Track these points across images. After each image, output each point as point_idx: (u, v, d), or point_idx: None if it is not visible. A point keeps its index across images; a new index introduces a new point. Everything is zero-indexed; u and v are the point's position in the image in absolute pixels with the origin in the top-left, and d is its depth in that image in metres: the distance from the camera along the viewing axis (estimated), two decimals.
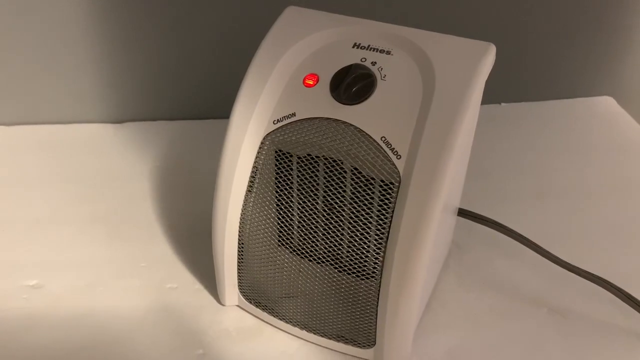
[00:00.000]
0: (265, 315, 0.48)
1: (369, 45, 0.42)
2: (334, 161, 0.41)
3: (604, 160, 0.69)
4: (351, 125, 0.40)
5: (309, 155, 0.41)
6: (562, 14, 0.73)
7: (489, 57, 0.42)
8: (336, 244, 0.43)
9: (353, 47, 0.43)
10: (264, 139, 0.43)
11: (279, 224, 0.45)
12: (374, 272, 0.42)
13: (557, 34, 0.75)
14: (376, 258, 0.41)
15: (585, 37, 0.76)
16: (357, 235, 0.42)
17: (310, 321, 0.46)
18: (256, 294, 0.48)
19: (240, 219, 0.45)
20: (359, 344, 0.45)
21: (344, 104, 0.41)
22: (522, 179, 0.66)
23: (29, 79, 0.69)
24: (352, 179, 0.41)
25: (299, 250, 0.44)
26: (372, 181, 0.40)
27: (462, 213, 0.54)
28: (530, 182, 0.65)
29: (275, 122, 0.42)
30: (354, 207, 0.41)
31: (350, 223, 0.42)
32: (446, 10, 0.70)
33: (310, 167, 0.42)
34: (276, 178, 0.43)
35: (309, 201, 0.43)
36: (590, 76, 0.79)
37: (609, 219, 0.61)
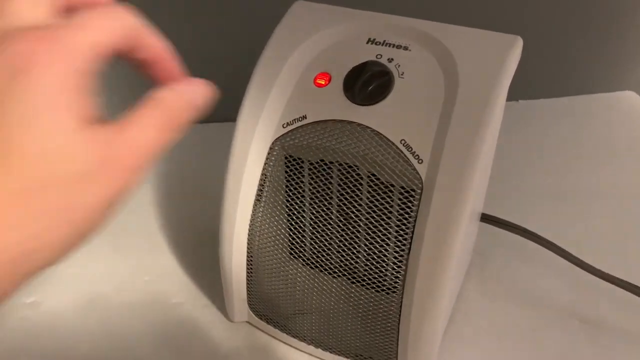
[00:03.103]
0: (277, 332, 0.46)
1: (384, 41, 0.40)
2: (349, 167, 0.38)
3: (630, 158, 0.66)
4: (367, 127, 0.38)
5: (321, 160, 0.39)
6: (579, 6, 0.71)
7: (516, 51, 0.39)
8: (352, 255, 0.40)
9: (367, 42, 0.40)
10: (272, 144, 0.40)
11: (290, 234, 0.42)
12: (395, 286, 0.39)
13: (575, 26, 0.73)
14: (397, 270, 0.39)
15: (604, 29, 0.74)
16: (375, 246, 0.39)
17: (326, 338, 0.44)
18: (267, 310, 0.45)
19: (249, 230, 0.43)
20: None
21: (358, 104, 0.38)
22: (543, 179, 0.63)
23: None
24: (369, 186, 0.38)
25: (312, 262, 0.42)
26: (391, 188, 0.37)
27: (485, 218, 0.51)
28: (551, 183, 0.63)
29: (284, 125, 0.40)
30: (372, 216, 0.38)
31: (367, 233, 0.39)
32: (459, 3, 0.67)
33: (324, 173, 0.39)
34: (287, 186, 0.41)
35: (323, 210, 0.40)
36: (611, 70, 0.77)
37: (637, 220, 0.58)
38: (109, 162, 0.23)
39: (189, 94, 0.28)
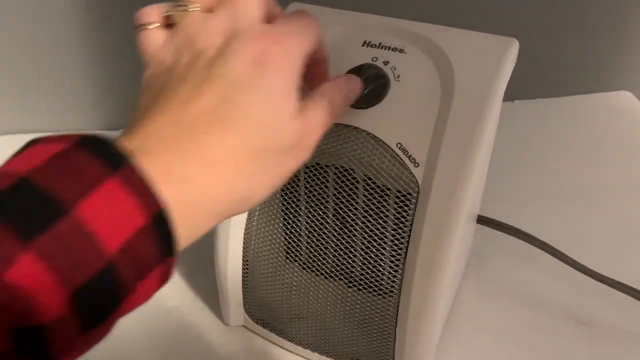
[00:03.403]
0: (273, 336, 0.46)
1: (380, 43, 0.39)
2: (345, 170, 0.38)
3: (626, 159, 0.66)
4: (363, 131, 0.37)
5: (317, 164, 0.39)
6: (575, 6, 0.71)
7: (512, 53, 0.39)
8: (349, 259, 0.40)
9: (363, 45, 0.40)
10: None
11: (286, 238, 0.41)
12: (391, 289, 0.39)
13: (571, 27, 0.73)
14: (393, 274, 0.38)
15: (600, 29, 0.73)
16: (371, 250, 0.39)
17: (322, 342, 0.43)
18: (263, 313, 0.45)
19: (245, 233, 0.42)
20: None
21: (354, 107, 0.38)
22: (539, 180, 0.63)
23: (21, 88, 0.67)
24: (365, 189, 0.38)
25: (308, 265, 0.41)
26: (387, 191, 0.37)
27: (482, 220, 0.50)
28: (548, 184, 0.62)
29: None
30: (368, 220, 0.38)
31: (363, 236, 0.39)
32: (455, 4, 0.67)
33: (319, 176, 0.39)
34: (282, 189, 0.41)
35: (319, 214, 0.40)
36: (606, 70, 0.77)
37: (634, 222, 0.58)
38: (301, 141, 0.29)
39: (345, 88, 0.34)
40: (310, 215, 0.40)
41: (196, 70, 0.28)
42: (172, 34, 0.30)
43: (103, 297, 0.23)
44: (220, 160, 0.26)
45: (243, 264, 0.43)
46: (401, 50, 0.39)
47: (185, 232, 0.25)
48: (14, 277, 0.20)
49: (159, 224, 0.24)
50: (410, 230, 0.37)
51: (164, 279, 0.25)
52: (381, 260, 0.39)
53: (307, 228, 0.41)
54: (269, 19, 0.30)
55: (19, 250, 0.20)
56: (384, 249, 0.38)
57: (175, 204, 0.24)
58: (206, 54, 0.28)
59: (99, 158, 0.23)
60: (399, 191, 0.37)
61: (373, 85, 0.37)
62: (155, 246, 0.24)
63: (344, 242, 0.40)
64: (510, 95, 0.74)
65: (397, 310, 0.39)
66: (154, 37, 0.30)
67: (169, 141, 0.26)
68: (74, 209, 0.22)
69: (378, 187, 0.37)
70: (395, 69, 0.38)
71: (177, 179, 0.25)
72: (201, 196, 0.26)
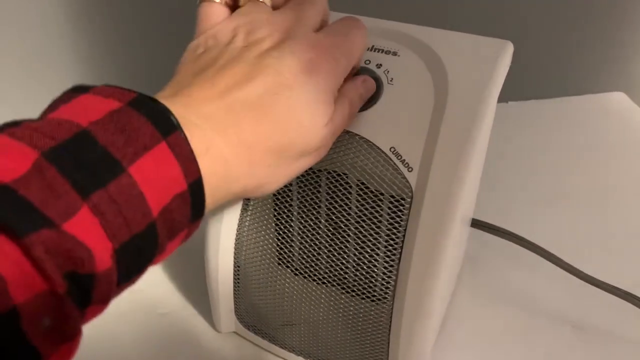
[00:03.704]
0: (265, 343, 0.45)
1: (372, 46, 0.39)
2: (338, 174, 0.37)
3: (620, 160, 0.66)
4: (356, 134, 0.37)
5: (310, 168, 0.38)
6: (569, 7, 0.71)
7: (506, 56, 0.38)
8: (342, 264, 0.39)
9: None
10: None
11: (278, 243, 0.41)
12: (385, 295, 0.38)
13: (564, 28, 0.72)
14: (387, 279, 0.38)
15: (593, 30, 0.73)
16: (365, 255, 0.38)
17: (315, 349, 0.43)
18: (255, 320, 0.44)
19: (236, 239, 0.42)
20: None
21: None
22: (533, 182, 0.63)
23: (15, 86, 0.67)
24: (358, 194, 0.37)
25: (301, 271, 0.41)
26: (380, 196, 0.37)
27: (476, 224, 0.50)
28: (542, 186, 0.62)
29: None
30: (361, 225, 0.38)
31: (357, 242, 0.38)
32: (449, 6, 0.67)
33: (312, 181, 0.38)
34: (274, 194, 0.40)
35: (311, 219, 0.39)
36: (600, 71, 0.77)
37: (629, 224, 0.57)
38: (324, 144, 0.32)
39: (362, 88, 0.35)
40: (302, 221, 0.40)
41: (249, 56, 0.29)
42: (234, 15, 0.32)
43: (140, 254, 0.24)
44: (250, 145, 0.28)
45: (234, 270, 0.43)
46: (394, 53, 0.38)
47: (208, 202, 0.27)
48: (73, 228, 0.21)
49: (195, 191, 0.26)
50: (404, 235, 0.36)
51: (186, 239, 0.28)
52: (374, 265, 0.38)
53: (299, 233, 0.40)
54: (322, 25, 0.33)
55: (79, 204, 0.22)
56: (377, 254, 0.38)
57: (206, 177, 0.26)
58: (263, 44, 0.30)
59: (152, 121, 0.25)
60: (392, 196, 0.36)
61: None
62: (189, 210, 0.26)
63: (336, 247, 0.39)
64: (504, 96, 0.74)
65: (391, 316, 0.39)
66: (216, 11, 0.32)
67: (212, 118, 0.27)
68: (129, 169, 0.23)
69: (371, 191, 0.37)
70: (388, 72, 0.38)
71: (213, 155, 0.27)
72: (227, 173, 0.28)
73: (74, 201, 0.22)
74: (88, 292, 0.22)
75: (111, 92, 0.25)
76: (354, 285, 0.39)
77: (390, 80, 0.37)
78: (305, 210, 0.39)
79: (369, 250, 0.38)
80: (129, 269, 0.24)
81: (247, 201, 0.40)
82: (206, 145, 0.27)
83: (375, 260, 0.38)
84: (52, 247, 0.21)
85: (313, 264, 0.40)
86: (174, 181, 0.25)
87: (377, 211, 0.37)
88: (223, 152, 0.27)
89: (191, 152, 0.25)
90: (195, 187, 0.26)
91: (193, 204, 0.26)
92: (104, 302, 0.24)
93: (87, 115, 0.24)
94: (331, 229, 0.39)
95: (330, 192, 0.38)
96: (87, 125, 0.23)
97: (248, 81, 0.28)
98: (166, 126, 0.25)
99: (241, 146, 0.28)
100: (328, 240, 0.39)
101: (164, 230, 0.25)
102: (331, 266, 0.40)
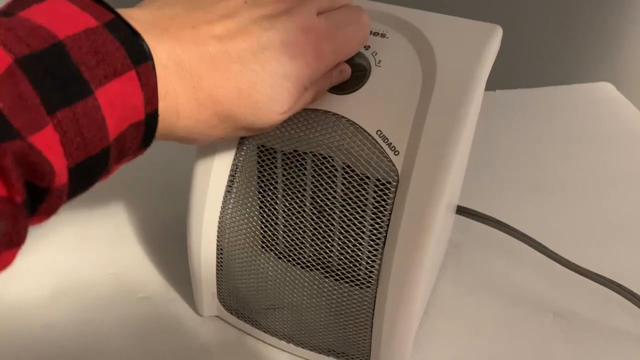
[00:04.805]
0: (247, 327, 0.45)
1: None
2: (324, 157, 0.37)
3: (605, 150, 0.66)
4: (342, 117, 0.36)
5: (295, 151, 0.37)
6: None
7: (495, 40, 0.38)
8: (326, 248, 0.39)
9: None
10: None
11: (262, 227, 0.40)
12: (369, 279, 0.38)
13: (552, 17, 0.72)
14: (371, 264, 0.37)
15: (582, 20, 0.73)
16: (349, 239, 0.38)
17: (298, 334, 0.42)
18: (238, 304, 0.44)
19: (219, 222, 0.41)
20: (352, 358, 0.42)
21: (334, 93, 0.37)
22: (519, 171, 0.63)
23: None
24: (344, 177, 0.37)
25: (284, 255, 0.40)
26: (366, 180, 0.36)
27: (461, 211, 0.50)
28: (527, 175, 0.62)
29: None
30: (346, 208, 0.37)
31: (341, 226, 0.38)
32: None
33: (297, 164, 0.38)
34: (259, 177, 0.39)
35: (296, 202, 0.39)
36: (588, 61, 0.77)
37: (613, 214, 0.58)
38: (272, 127, 0.33)
39: (335, 79, 0.35)
40: (287, 204, 0.39)
41: (243, 14, 0.29)
42: None
43: (90, 175, 0.25)
44: (203, 103, 0.29)
45: (217, 253, 0.42)
46: (383, 35, 0.38)
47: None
48: (37, 142, 0.22)
49: (149, 122, 0.27)
50: (389, 219, 0.36)
51: (126, 162, 0.28)
52: (359, 249, 0.38)
53: (283, 217, 0.40)
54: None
55: (46, 119, 0.22)
56: (362, 238, 0.37)
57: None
58: (262, 9, 0.30)
59: (125, 47, 0.25)
60: (378, 179, 0.36)
61: (353, 70, 0.36)
62: (140, 140, 0.27)
63: (321, 231, 0.39)
64: (492, 84, 0.74)
65: (375, 301, 0.38)
66: None
67: (181, 65, 0.27)
68: (96, 92, 0.23)
69: (357, 175, 0.36)
70: (376, 54, 0.37)
71: (168, 102, 0.27)
72: (174, 121, 0.29)
73: (41, 116, 0.22)
74: (39, 204, 0.23)
75: (87, 4, 0.25)
76: (338, 270, 0.39)
77: (378, 62, 0.37)
78: (290, 193, 0.39)
79: (354, 234, 0.38)
80: (77, 186, 0.25)
81: (231, 183, 0.40)
82: (166, 89, 0.27)
83: (360, 244, 0.38)
84: (20, 159, 0.21)
85: (297, 248, 0.40)
86: (134, 110, 0.25)
87: (362, 195, 0.37)
88: (178, 101, 0.28)
89: (155, 84, 0.26)
90: (151, 119, 0.27)
91: (145, 134, 0.27)
92: (48, 215, 0.24)
93: (62, 26, 0.23)
94: (316, 212, 0.39)
95: (315, 175, 0.38)
96: (63, 38, 0.23)
97: (229, 38, 0.28)
98: (138, 55, 0.25)
99: (195, 102, 0.28)
100: (312, 223, 0.39)
101: (115, 154, 0.26)
102: (315, 250, 0.39)
